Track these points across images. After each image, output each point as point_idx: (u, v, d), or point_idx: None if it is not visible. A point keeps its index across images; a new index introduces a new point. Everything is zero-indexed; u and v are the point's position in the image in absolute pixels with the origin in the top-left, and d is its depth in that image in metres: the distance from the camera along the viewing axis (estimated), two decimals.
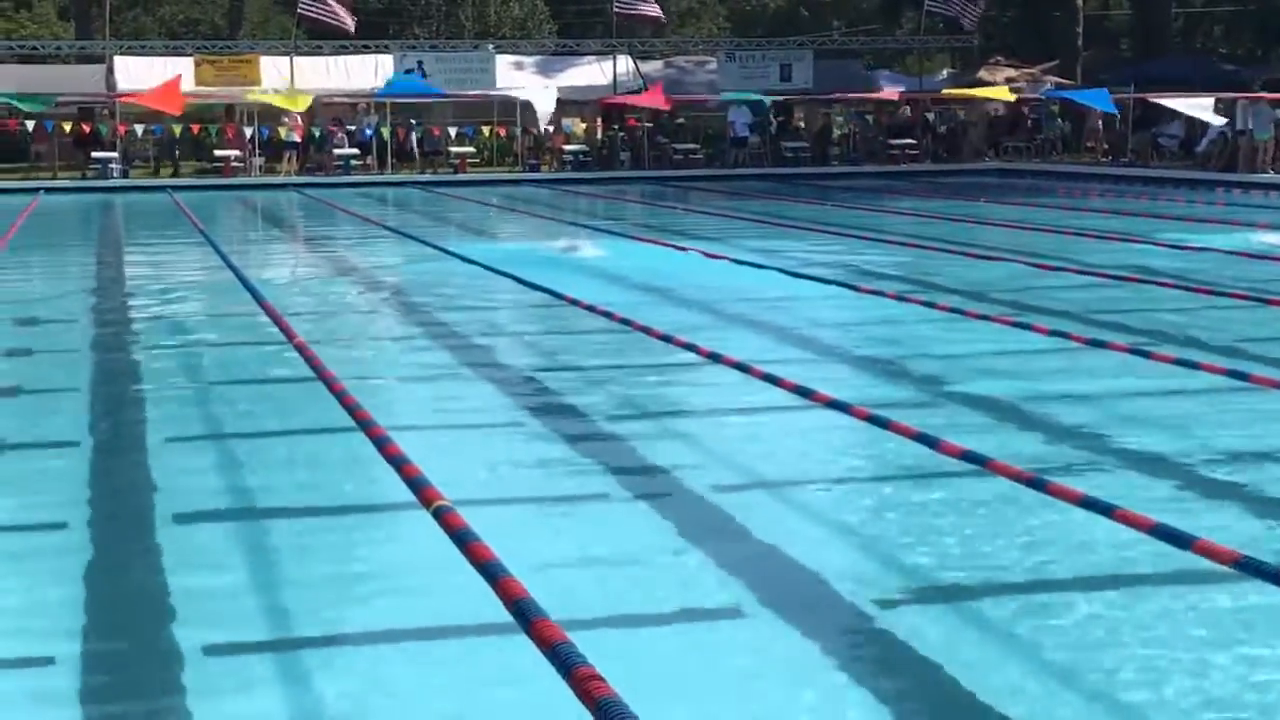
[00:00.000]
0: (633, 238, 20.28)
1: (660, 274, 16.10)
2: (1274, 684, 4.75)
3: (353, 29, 38.29)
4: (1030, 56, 42.30)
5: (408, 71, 37.89)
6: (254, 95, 35.68)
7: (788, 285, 14.85)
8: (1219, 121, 33.99)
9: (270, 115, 36.33)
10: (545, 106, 37.38)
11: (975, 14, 41.23)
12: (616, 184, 34.95)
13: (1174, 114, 36.12)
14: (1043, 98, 40.29)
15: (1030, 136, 40.84)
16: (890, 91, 41.38)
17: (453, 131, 38.09)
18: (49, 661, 5.00)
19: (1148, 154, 38.01)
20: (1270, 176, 31.62)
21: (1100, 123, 39.11)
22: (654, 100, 37.29)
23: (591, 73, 40.95)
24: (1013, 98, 38.43)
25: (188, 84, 35.46)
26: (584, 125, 39.60)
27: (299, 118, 36.26)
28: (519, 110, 37.85)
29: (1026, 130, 41.01)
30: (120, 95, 35.37)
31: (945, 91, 41.20)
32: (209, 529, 6.62)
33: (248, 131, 36.08)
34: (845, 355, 11.18)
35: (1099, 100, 36.30)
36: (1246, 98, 34.28)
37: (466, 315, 13.51)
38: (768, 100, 38.73)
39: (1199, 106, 34.07)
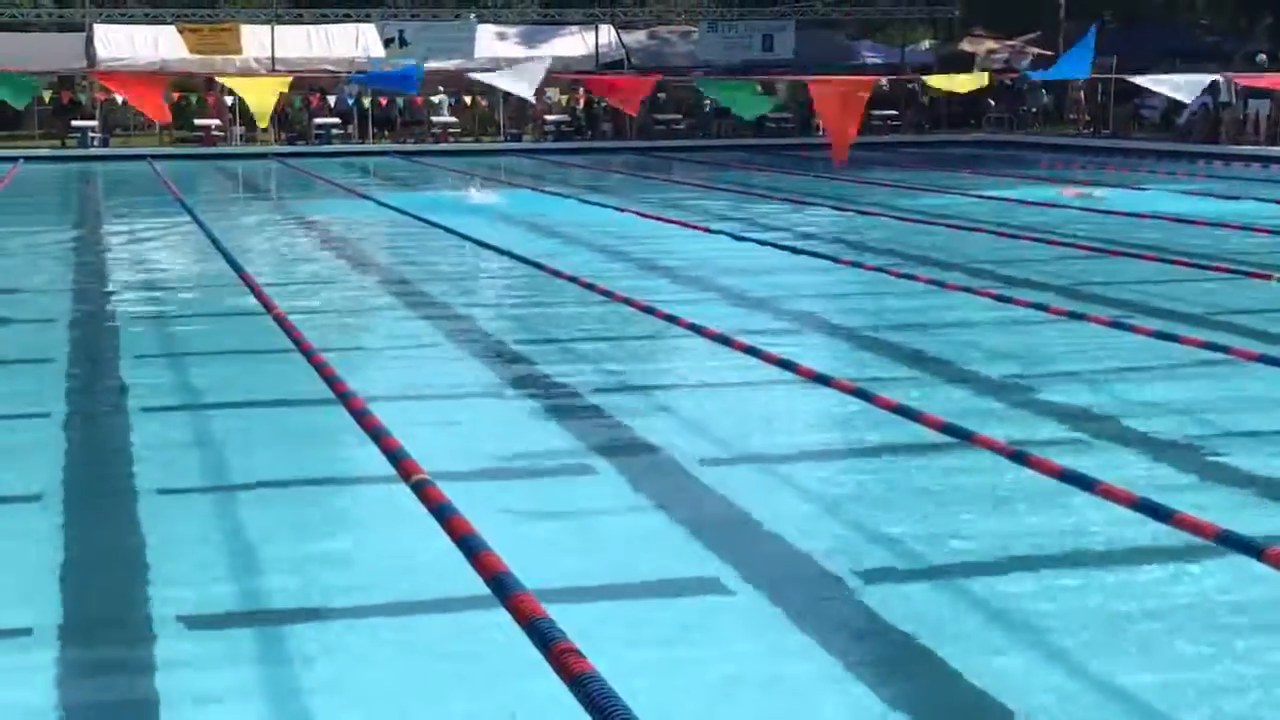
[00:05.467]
0: (625, 209, 20.21)
1: (639, 242, 16.07)
2: (1252, 655, 4.76)
3: None
4: (1012, 27, 42.10)
5: (388, 42, 37.51)
6: (227, 79, 35.19)
7: (762, 255, 14.84)
8: (1193, 96, 33.69)
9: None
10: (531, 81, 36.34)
11: None
12: (599, 154, 34.85)
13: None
14: (1021, 72, 40.09)
15: (1013, 109, 40.78)
16: (869, 76, 40.80)
17: (436, 100, 37.81)
18: (26, 633, 4.97)
19: (1129, 125, 37.97)
20: (1250, 149, 31.61)
21: (1082, 94, 39.04)
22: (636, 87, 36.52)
23: (574, 43, 40.69)
24: (984, 82, 37.72)
25: (169, 52, 35.07)
26: (566, 96, 39.26)
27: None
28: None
29: (1009, 102, 40.93)
30: (99, 74, 34.79)
31: (924, 78, 40.95)
32: (186, 501, 6.59)
33: (228, 101, 35.79)
34: (823, 326, 11.16)
35: (1076, 67, 36.03)
36: (1224, 78, 34.09)
37: (447, 285, 13.45)
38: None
39: (1178, 86, 33.72)
